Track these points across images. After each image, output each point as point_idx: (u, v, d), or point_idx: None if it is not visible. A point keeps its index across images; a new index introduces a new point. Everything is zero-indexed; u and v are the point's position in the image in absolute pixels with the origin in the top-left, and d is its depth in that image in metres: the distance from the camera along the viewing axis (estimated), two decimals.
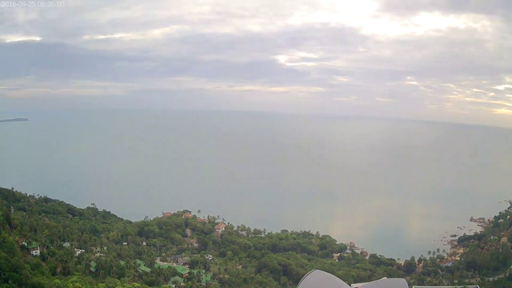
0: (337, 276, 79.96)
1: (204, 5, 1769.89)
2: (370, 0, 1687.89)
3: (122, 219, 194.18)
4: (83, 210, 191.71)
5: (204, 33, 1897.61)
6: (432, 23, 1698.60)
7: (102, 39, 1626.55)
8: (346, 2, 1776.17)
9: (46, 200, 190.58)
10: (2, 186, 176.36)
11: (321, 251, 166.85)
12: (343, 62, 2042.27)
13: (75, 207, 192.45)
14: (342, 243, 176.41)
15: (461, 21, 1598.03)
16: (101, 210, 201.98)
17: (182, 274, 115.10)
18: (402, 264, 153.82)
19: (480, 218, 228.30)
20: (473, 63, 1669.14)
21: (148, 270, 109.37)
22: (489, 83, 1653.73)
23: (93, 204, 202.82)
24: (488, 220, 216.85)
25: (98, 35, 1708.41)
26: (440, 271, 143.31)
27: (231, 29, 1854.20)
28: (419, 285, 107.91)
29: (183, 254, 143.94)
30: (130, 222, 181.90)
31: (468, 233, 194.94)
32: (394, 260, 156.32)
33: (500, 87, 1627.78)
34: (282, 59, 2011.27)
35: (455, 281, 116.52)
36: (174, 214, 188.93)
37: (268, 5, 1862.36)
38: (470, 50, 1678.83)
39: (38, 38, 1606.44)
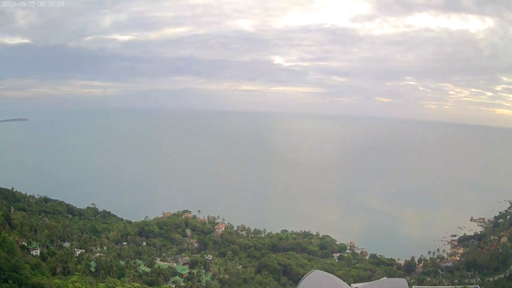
0: (337, 276, 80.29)
1: (197, 7, 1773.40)
2: (362, 1, 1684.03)
3: (122, 219, 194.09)
4: (83, 210, 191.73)
5: (199, 34, 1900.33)
6: (427, 24, 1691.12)
7: (101, 40, 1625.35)
8: (339, 3, 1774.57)
9: (46, 200, 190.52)
10: (2, 186, 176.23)
11: (321, 251, 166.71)
12: (340, 62, 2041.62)
13: (75, 207, 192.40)
14: (342, 243, 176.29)
15: (457, 22, 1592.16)
16: (101, 210, 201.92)
17: (182, 274, 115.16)
18: (402, 264, 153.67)
19: (480, 218, 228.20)
20: (470, 64, 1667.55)
21: (148, 270, 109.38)
22: (487, 83, 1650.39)
23: (93, 204, 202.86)
24: (488, 220, 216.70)
25: (97, 36, 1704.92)
26: (440, 271, 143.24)
27: (226, 30, 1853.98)
28: (419, 285, 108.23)
29: (183, 254, 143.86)
30: (131, 222, 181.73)
31: (468, 233, 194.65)
32: (394, 260, 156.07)
33: (498, 88, 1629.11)
34: (279, 59, 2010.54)
35: (455, 281, 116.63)
36: (174, 214, 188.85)
37: (261, 7, 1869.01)
38: (466, 50, 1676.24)
39: (38, 39, 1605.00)
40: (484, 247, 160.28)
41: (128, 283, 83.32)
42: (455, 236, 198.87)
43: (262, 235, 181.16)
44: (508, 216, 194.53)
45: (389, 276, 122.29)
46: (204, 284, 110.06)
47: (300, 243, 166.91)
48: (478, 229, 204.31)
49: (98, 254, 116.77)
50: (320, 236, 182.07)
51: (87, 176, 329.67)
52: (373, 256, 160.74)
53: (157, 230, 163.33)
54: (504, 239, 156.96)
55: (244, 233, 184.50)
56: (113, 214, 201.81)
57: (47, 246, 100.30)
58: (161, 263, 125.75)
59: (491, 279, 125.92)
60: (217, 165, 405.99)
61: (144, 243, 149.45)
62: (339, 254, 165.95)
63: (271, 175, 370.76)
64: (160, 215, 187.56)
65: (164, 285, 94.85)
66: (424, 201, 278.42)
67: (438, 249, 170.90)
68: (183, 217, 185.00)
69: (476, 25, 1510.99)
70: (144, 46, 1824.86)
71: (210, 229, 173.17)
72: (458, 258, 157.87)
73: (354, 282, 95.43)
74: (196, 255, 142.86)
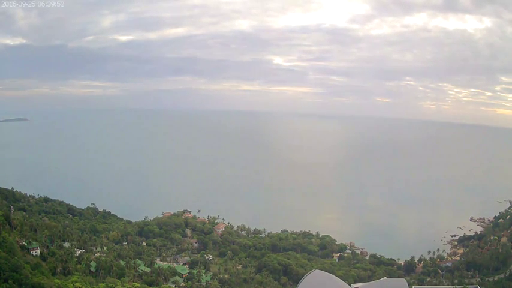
0: (337, 276, 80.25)
1: (195, 8, 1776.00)
2: (361, 2, 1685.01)
3: (122, 219, 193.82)
4: (83, 210, 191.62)
5: (198, 34, 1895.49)
6: (425, 24, 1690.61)
7: (101, 40, 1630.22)
8: (337, 4, 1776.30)
9: (46, 200, 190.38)
10: (2, 186, 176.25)
11: (321, 251, 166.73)
12: (339, 62, 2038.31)
13: (75, 207, 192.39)
14: (342, 243, 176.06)
15: (455, 22, 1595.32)
16: (101, 210, 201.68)
17: (182, 274, 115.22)
18: (402, 264, 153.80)
19: (480, 218, 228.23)
20: (469, 64, 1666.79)
21: (148, 270, 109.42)
22: (486, 83, 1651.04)
23: (93, 204, 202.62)
24: (488, 220, 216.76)
25: (97, 36, 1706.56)
26: (440, 271, 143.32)
27: (225, 31, 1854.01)
28: (419, 285, 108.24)
29: (183, 254, 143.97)
30: (131, 222, 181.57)
31: (468, 233, 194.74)
32: (394, 260, 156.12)
33: (497, 88, 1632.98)
34: (278, 59, 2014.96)
35: (455, 281, 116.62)
36: (174, 214, 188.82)
37: (259, 7, 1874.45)
38: (465, 50, 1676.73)
39: (38, 39, 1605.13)
40: (484, 247, 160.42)
41: (127, 283, 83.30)
42: (455, 236, 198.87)
43: (262, 235, 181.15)
44: (508, 216, 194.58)
45: (390, 276, 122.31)
46: (204, 284, 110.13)
47: (300, 243, 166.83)
48: (478, 229, 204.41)
49: (98, 254, 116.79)
50: (320, 236, 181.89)
51: (87, 176, 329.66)
52: (373, 256, 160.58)
53: (157, 230, 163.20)
54: (504, 239, 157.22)
55: (244, 233, 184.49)
56: (113, 214, 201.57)
57: (47, 246, 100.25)
58: (161, 263, 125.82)
59: (491, 279, 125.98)
60: (217, 165, 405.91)
61: (144, 243, 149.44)
62: (339, 254, 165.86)
63: (272, 175, 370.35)
64: (160, 215, 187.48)
65: (164, 285, 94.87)
66: (424, 201, 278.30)
67: (438, 249, 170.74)
68: (183, 217, 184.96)
69: (474, 25, 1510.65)
70: (144, 46, 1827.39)
71: (210, 229, 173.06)
72: (458, 258, 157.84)
73: (354, 282, 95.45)
74: (196, 255, 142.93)
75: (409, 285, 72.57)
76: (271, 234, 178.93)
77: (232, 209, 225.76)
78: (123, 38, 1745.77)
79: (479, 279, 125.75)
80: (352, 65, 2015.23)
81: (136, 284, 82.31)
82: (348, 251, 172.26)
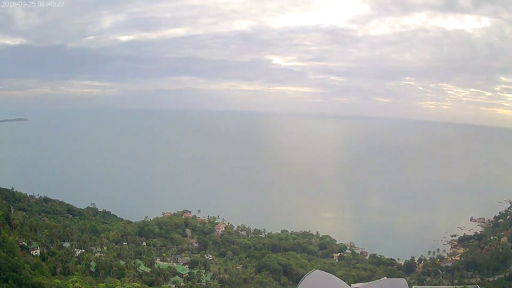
0: (337, 276, 79.99)
1: (194, 8, 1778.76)
2: (360, 2, 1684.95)
3: (121, 219, 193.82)
4: (83, 210, 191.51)
5: (198, 34, 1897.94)
6: (424, 24, 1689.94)
7: (101, 40, 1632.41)
8: (336, 4, 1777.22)
9: (46, 200, 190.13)
10: (2, 186, 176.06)
11: (321, 251, 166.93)
12: (339, 62, 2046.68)
13: (75, 207, 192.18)
14: (342, 243, 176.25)
15: (453, 22, 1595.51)
16: (101, 210, 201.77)
17: (182, 274, 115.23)
18: (402, 264, 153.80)
19: (480, 218, 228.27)
20: (468, 64, 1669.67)
21: (148, 270, 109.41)
22: (486, 83, 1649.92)
23: (93, 204, 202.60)
24: (488, 220, 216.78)
25: (97, 36, 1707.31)
26: (440, 271, 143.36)
27: (224, 31, 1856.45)
28: (419, 285, 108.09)
29: (183, 254, 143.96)
30: (131, 222, 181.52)
31: (468, 233, 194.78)
32: (394, 260, 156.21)
33: (497, 88, 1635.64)
34: (278, 59, 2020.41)
35: (455, 281, 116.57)
36: (174, 214, 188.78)
37: (258, 7, 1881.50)
38: (464, 50, 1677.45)
39: (38, 40, 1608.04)
40: (484, 247, 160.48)
41: (127, 283, 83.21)
42: (455, 236, 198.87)
43: (262, 235, 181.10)
44: (508, 216, 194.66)
45: (389, 276, 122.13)
46: (204, 284, 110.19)
47: (300, 243, 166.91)
48: (478, 229, 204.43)
49: (98, 254, 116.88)
50: (320, 236, 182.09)
51: (87, 176, 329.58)
52: (373, 256, 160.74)
53: (157, 230, 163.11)
54: (504, 239, 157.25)
55: (244, 233, 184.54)
56: (113, 214, 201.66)
57: (47, 246, 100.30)
58: (161, 263, 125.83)
59: (491, 279, 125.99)
60: (217, 166, 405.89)
61: (144, 243, 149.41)
62: (339, 254, 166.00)
63: (272, 175, 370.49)
64: (160, 215, 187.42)
65: (164, 285, 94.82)
66: (424, 201, 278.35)
67: (438, 249, 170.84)
68: (183, 217, 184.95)
69: (473, 25, 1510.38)
70: (144, 46, 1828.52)
71: (210, 229, 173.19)
72: (458, 258, 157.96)
73: (354, 282, 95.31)
74: (196, 255, 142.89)
75: (409, 285, 72.38)
76: (271, 234, 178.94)
77: (232, 209, 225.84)
78: (123, 38, 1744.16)
79: (479, 279, 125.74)
80: (352, 65, 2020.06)
81: (137, 284, 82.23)
82: (348, 251, 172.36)
